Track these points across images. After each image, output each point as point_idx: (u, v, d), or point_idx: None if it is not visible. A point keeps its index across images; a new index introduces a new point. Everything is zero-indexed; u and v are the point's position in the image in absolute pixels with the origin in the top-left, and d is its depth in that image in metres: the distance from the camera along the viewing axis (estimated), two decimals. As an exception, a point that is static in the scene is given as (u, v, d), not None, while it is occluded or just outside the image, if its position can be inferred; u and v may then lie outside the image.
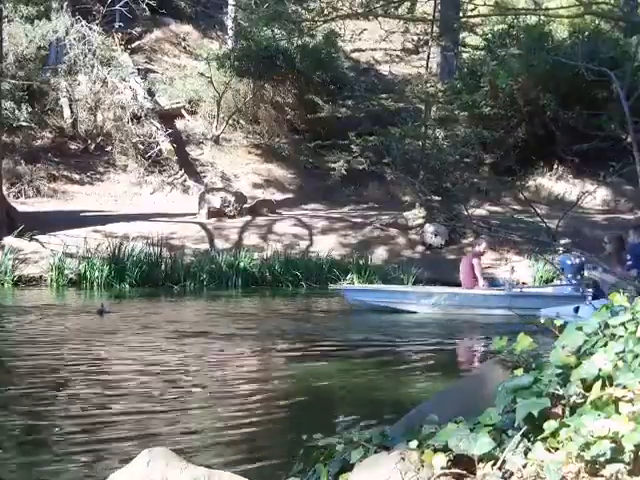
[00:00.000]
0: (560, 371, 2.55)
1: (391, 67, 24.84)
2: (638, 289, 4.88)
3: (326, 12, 14.41)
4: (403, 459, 2.49)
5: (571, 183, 20.05)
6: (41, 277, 14.41)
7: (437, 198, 16.74)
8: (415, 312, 11.90)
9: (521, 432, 2.42)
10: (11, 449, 5.20)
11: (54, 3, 20.92)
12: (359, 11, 15.60)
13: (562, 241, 12.98)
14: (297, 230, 17.24)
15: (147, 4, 21.63)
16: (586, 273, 11.46)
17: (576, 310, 9.20)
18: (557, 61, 16.36)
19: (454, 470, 2.42)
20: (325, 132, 19.78)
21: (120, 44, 22.26)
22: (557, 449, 2.34)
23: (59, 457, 5.02)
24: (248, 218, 17.93)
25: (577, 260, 11.95)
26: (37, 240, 15.39)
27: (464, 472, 2.41)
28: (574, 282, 11.91)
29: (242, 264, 14.83)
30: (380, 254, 16.21)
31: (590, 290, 10.92)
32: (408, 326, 11.15)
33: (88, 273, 14.26)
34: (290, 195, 20.26)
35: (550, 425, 2.38)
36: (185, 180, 20.16)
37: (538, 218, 6.97)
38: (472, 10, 19.28)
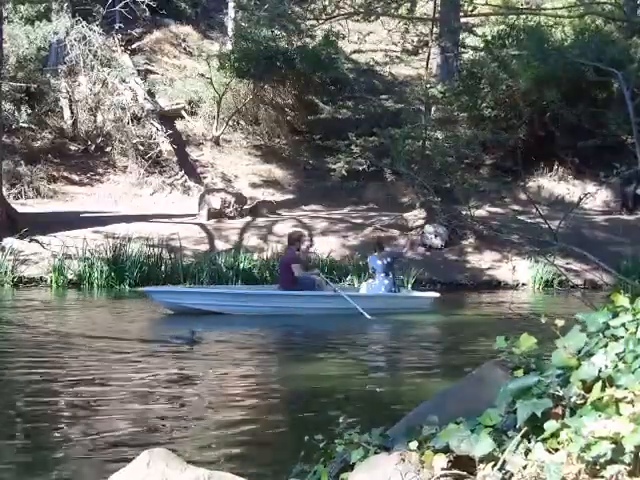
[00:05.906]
0: (560, 372, 2.54)
1: (391, 68, 24.81)
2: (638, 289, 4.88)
3: (329, 10, 14.43)
4: (403, 460, 2.49)
5: (571, 184, 20.05)
6: (41, 278, 14.38)
7: (437, 199, 16.73)
8: (222, 313, 11.47)
9: (521, 433, 2.41)
10: (11, 450, 5.20)
11: (54, 4, 20.93)
12: (360, 11, 15.63)
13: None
14: (297, 231, 17.21)
15: (147, 5, 21.63)
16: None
17: None
18: (558, 62, 16.34)
19: (454, 471, 2.41)
20: (325, 133, 19.77)
21: (120, 45, 22.27)
22: (557, 450, 2.34)
23: (59, 458, 5.02)
24: (248, 219, 17.92)
25: (388, 259, 12.50)
26: (37, 241, 15.36)
27: (464, 473, 2.41)
28: (386, 281, 12.34)
29: (242, 265, 14.82)
30: (380, 255, 16.18)
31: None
32: (407, 327, 11.15)
33: (88, 274, 14.25)
34: (290, 196, 20.24)
35: (550, 426, 2.37)
36: (185, 181, 20.15)
37: (538, 219, 6.96)
38: (471, 11, 19.29)
